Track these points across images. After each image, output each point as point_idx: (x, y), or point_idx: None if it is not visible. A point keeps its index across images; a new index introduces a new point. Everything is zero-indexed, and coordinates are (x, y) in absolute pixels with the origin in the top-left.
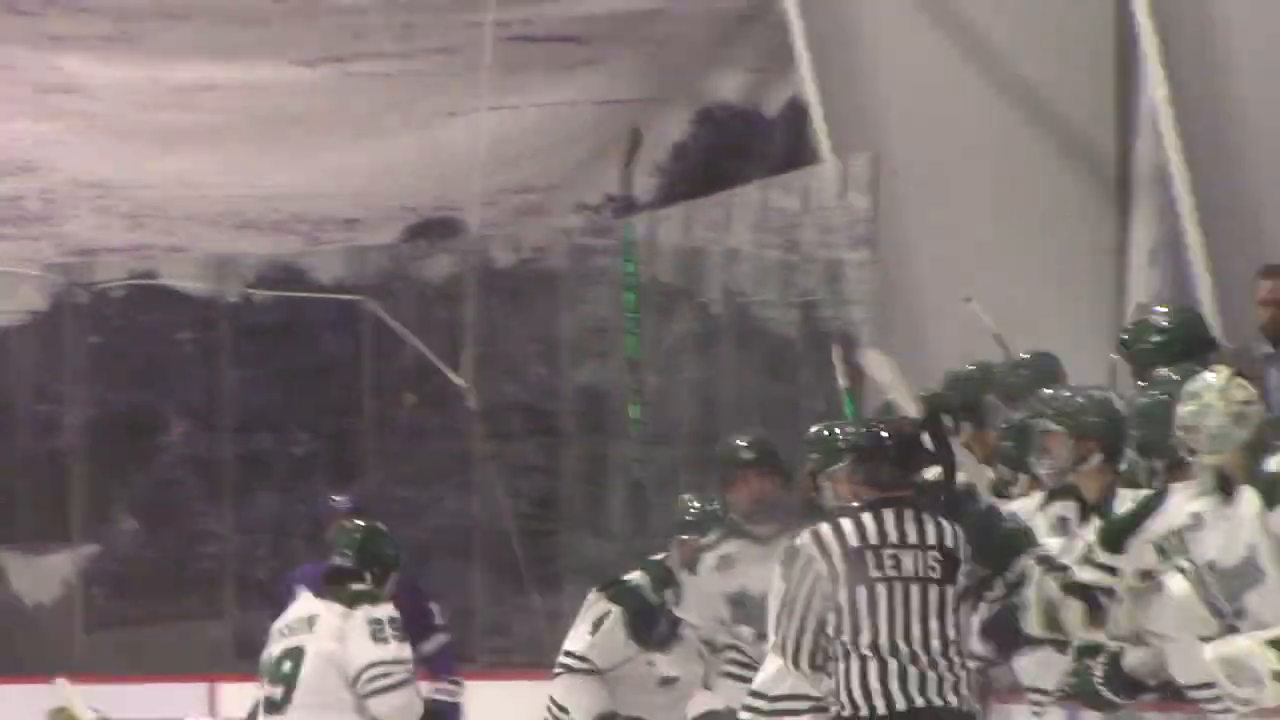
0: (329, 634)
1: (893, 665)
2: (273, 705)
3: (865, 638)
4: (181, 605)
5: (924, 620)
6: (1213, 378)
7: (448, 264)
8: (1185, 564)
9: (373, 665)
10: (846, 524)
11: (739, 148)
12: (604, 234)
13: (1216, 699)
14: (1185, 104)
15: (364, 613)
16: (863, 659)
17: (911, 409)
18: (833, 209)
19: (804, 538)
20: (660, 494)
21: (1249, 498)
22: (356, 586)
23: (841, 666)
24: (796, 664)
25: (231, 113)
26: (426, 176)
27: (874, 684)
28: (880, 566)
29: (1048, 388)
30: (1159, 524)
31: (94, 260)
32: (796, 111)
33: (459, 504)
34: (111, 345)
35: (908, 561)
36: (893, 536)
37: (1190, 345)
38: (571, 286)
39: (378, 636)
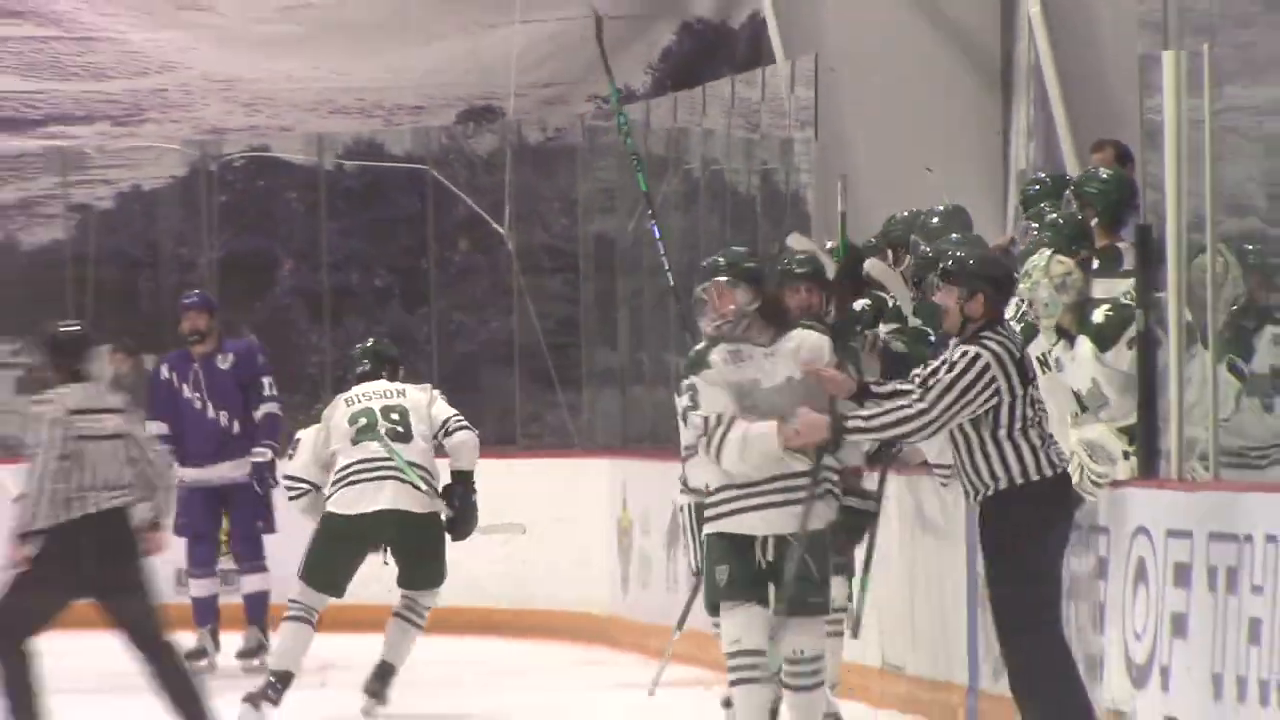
0: (418, 397)
1: (1043, 444)
2: (397, 435)
3: (1035, 430)
4: (290, 401)
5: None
6: (1038, 258)
7: (491, 141)
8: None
9: (454, 416)
10: (1004, 343)
11: (712, 52)
12: (609, 117)
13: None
14: (1055, 12)
15: (425, 387)
16: (1032, 444)
17: (905, 296)
18: (784, 99)
19: (988, 350)
20: (654, 316)
21: (1083, 344)
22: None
23: (1011, 447)
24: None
25: (324, 24)
26: (474, 73)
27: (1048, 457)
28: (1029, 376)
29: (957, 233)
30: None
31: (221, 138)
32: (757, 23)
33: (501, 324)
34: (235, 203)
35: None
36: (1019, 354)
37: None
38: (586, 158)
39: (441, 398)
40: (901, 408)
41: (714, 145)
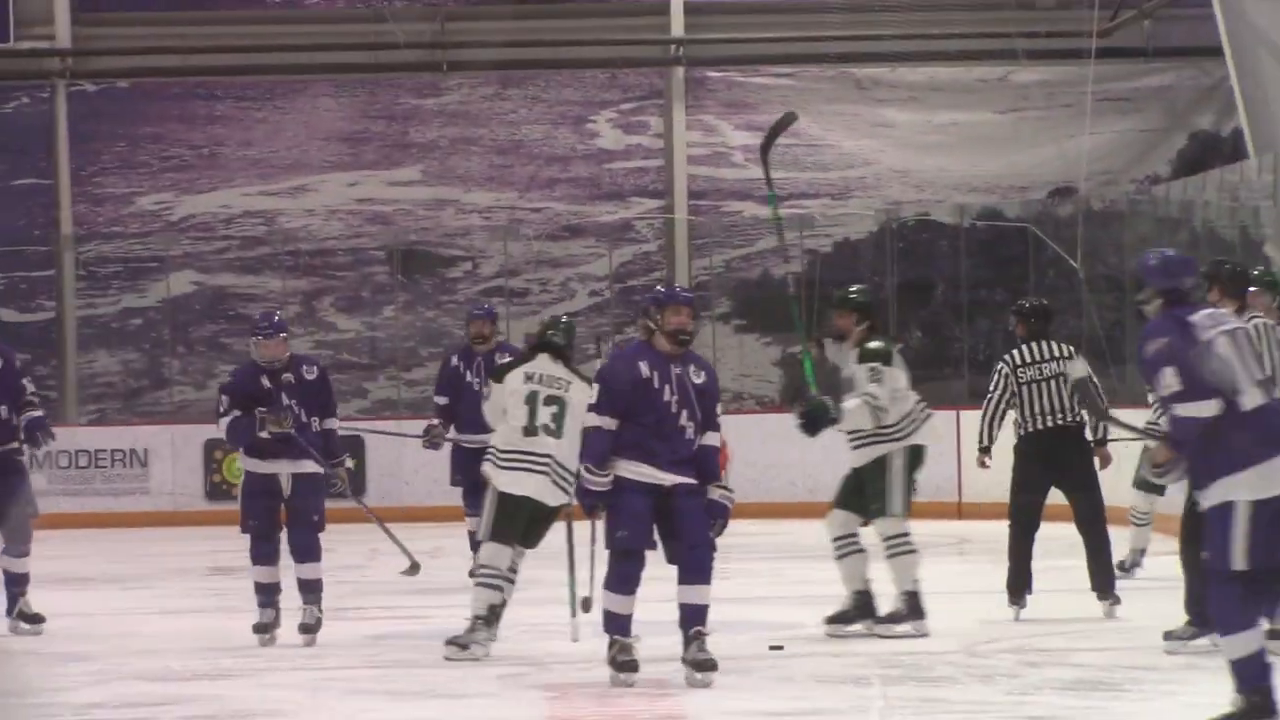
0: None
1: None
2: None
3: None
4: (946, 373)
5: None
6: None
7: (1069, 209)
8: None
9: None
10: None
11: (1211, 149)
12: (1148, 193)
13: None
14: None
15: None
16: None
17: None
18: (1254, 182)
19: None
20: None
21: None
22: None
23: None
24: None
25: (964, 136)
26: (1059, 164)
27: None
28: None
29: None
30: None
31: (898, 207)
32: (1238, 132)
33: (1074, 326)
34: (908, 249)
35: None
36: None
37: None
38: (1129, 220)
39: None
40: None
41: (1209, 211)
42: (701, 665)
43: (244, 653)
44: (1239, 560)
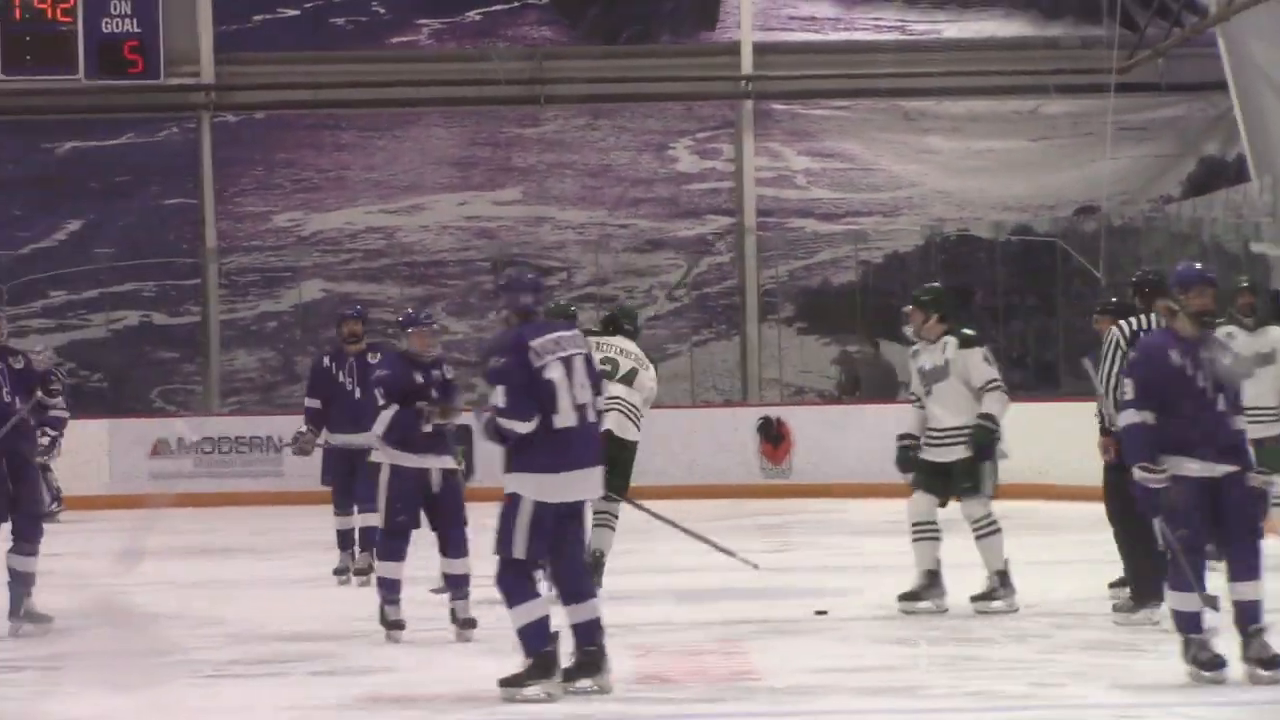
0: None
1: None
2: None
3: None
4: None
5: None
6: None
7: (1091, 224)
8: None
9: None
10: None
11: (1217, 174)
12: (1159, 211)
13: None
14: None
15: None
16: None
17: None
18: (1256, 200)
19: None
20: None
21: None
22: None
23: None
24: None
25: (1001, 161)
26: (1083, 185)
27: None
28: None
29: None
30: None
31: (941, 223)
32: (1242, 157)
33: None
34: (949, 261)
35: None
36: None
37: None
38: (1145, 235)
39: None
40: None
41: (1216, 227)
42: (1269, 663)
43: (362, 620)
44: (520, 549)
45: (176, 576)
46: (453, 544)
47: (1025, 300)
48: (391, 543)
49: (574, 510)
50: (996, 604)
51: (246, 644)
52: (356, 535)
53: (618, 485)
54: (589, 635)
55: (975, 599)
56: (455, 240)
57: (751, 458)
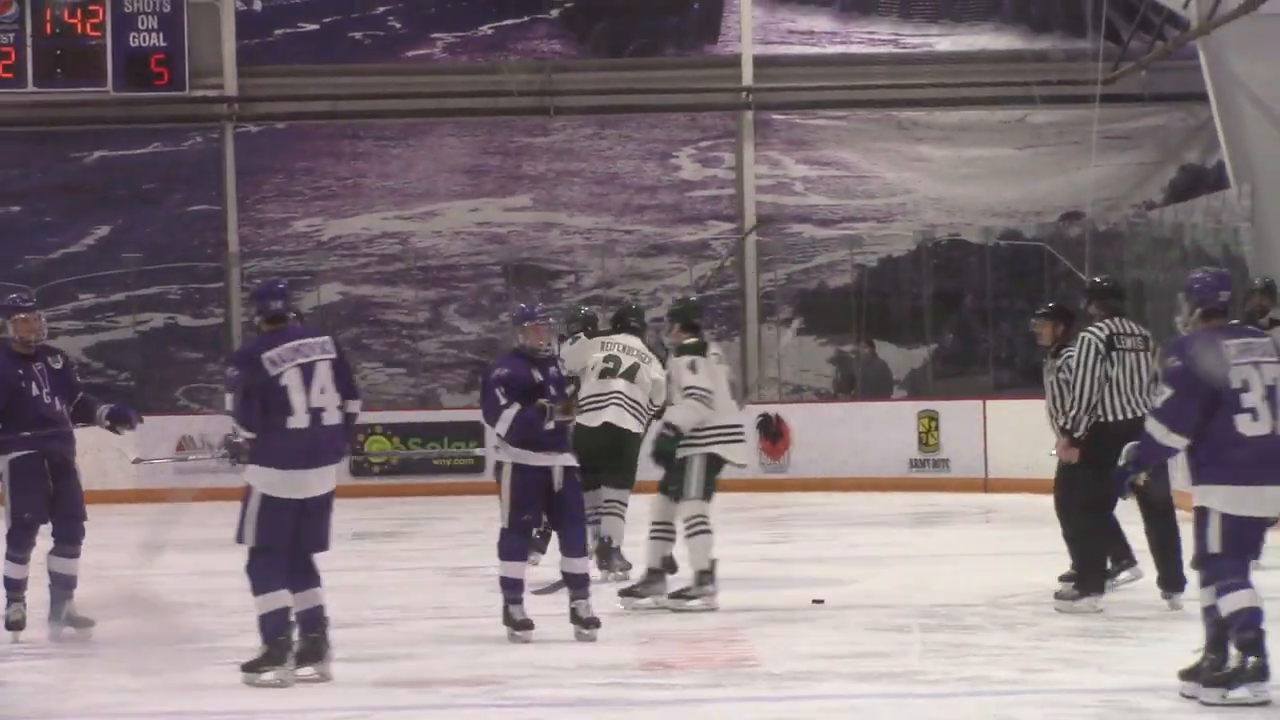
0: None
1: None
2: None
3: None
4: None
5: None
6: None
7: (1076, 230)
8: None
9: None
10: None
11: (1198, 181)
12: (1143, 217)
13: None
14: None
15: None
16: None
17: None
18: (1235, 207)
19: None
20: None
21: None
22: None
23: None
24: None
25: (990, 169)
26: (1068, 192)
27: None
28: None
29: None
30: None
31: (933, 228)
32: (1222, 165)
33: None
34: (941, 264)
35: None
36: None
37: None
38: (1128, 241)
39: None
40: None
41: (1196, 232)
42: None
43: (383, 608)
44: (250, 539)
45: (204, 566)
46: (573, 543)
47: (1014, 303)
48: (514, 542)
49: (306, 508)
50: (693, 602)
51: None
52: None
53: (622, 476)
54: (311, 623)
55: (672, 596)
56: (467, 245)
57: (752, 454)
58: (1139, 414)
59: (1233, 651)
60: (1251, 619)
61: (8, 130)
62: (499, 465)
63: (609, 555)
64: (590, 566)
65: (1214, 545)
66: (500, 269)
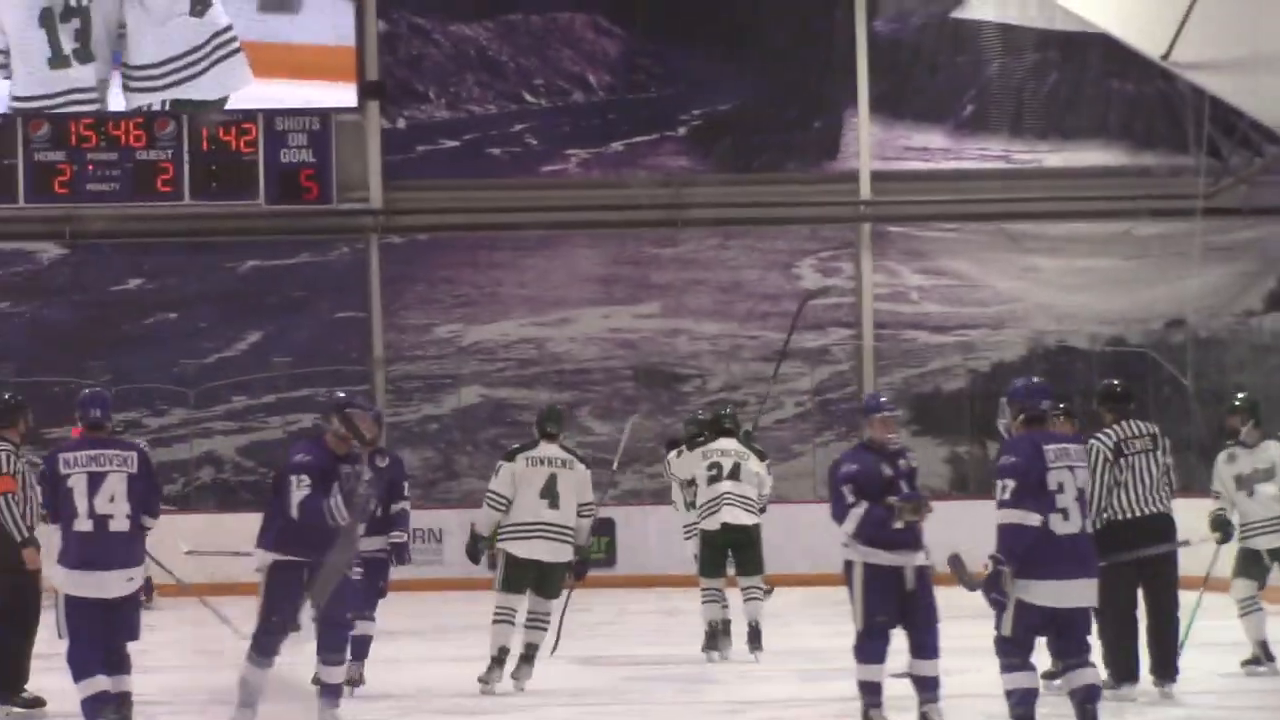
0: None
1: None
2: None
3: None
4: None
5: None
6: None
7: (1179, 336)
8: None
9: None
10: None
11: None
12: (1245, 324)
13: None
14: None
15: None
16: None
17: None
18: None
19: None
20: None
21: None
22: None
23: None
24: None
25: (1102, 279)
26: (1169, 302)
27: None
28: None
29: None
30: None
31: (1041, 334)
32: None
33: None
34: (1047, 371)
35: None
36: None
37: None
38: (1221, 349)
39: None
40: None
41: None
42: None
43: (508, 694)
44: (63, 633)
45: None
46: (925, 644)
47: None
48: (871, 644)
49: (110, 604)
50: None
51: (410, 716)
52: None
53: (753, 565)
54: (120, 705)
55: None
56: (599, 350)
57: None
58: (1147, 511)
59: None
60: (1024, 698)
61: (166, 241)
62: (848, 564)
63: (758, 638)
64: (940, 669)
65: (1005, 629)
66: (631, 372)
